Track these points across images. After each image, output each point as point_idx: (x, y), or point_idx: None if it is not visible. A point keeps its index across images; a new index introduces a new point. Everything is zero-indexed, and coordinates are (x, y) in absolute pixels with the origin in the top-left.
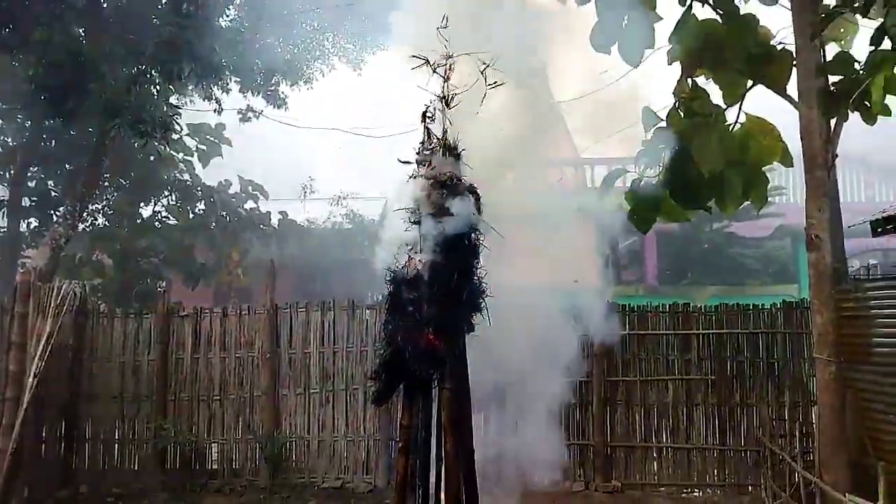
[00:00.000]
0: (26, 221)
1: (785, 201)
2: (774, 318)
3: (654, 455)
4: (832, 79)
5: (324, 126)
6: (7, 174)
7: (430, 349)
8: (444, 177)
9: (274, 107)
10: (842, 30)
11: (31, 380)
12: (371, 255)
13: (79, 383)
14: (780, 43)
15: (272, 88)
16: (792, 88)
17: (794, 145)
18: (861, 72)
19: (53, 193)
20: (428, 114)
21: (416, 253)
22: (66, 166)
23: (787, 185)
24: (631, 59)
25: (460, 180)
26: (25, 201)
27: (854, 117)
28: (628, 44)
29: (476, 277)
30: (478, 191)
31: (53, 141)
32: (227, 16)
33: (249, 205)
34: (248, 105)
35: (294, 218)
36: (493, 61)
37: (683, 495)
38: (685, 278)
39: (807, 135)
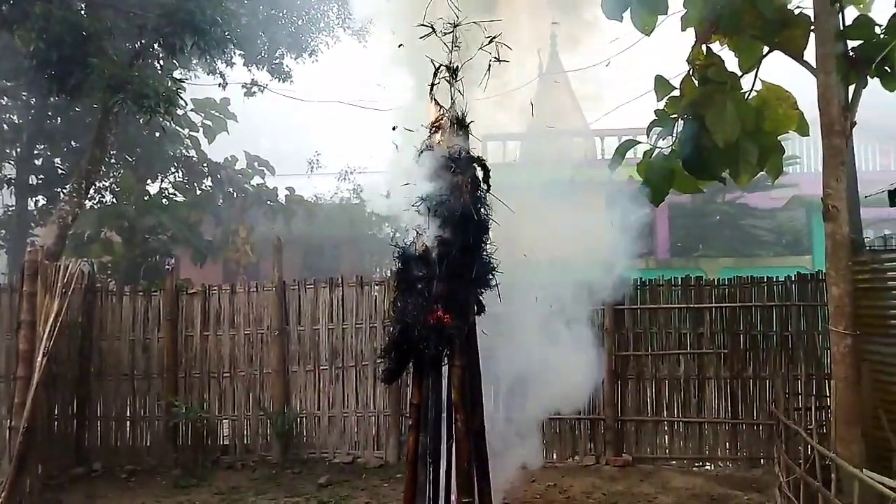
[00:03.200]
0: (34, 199)
1: (799, 171)
2: (789, 290)
3: (666, 429)
4: (851, 44)
5: (329, 100)
6: (14, 152)
7: (439, 326)
8: (452, 150)
9: (279, 80)
10: None
11: (41, 359)
12: (378, 231)
13: (89, 361)
14: (798, 7)
15: (277, 62)
16: (809, 54)
17: (810, 113)
18: (882, 36)
19: (60, 171)
20: (434, 84)
21: (424, 229)
22: (73, 143)
23: (801, 154)
24: (643, 26)
25: (469, 153)
26: (32, 179)
27: (871, 83)
28: (640, 10)
29: (485, 253)
30: (486, 163)
31: (59, 118)
32: None
33: (256, 180)
34: (253, 79)
35: (301, 193)
36: (499, 35)
37: (695, 469)
38: (696, 251)
39: (824, 102)
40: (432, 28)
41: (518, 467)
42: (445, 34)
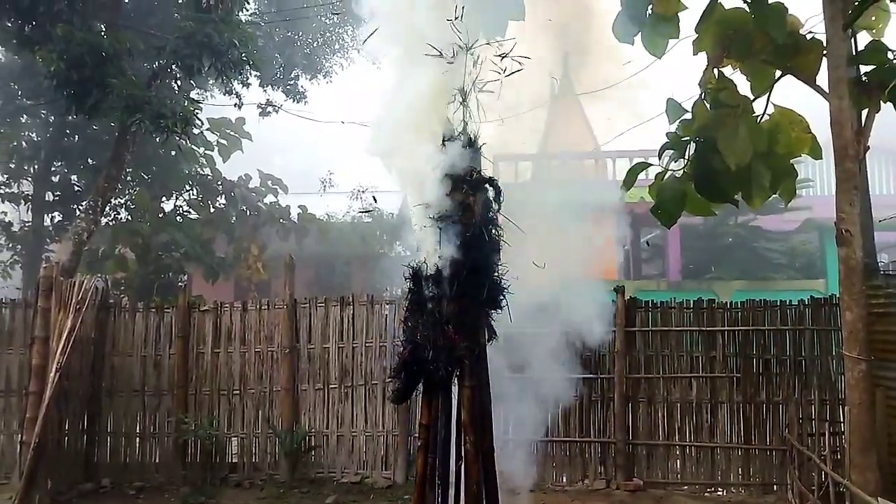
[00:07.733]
0: (50, 216)
1: (812, 194)
2: (802, 314)
3: (677, 453)
4: (864, 68)
5: (342, 120)
6: (31, 169)
7: (450, 346)
8: (464, 170)
9: (293, 101)
10: (873, 18)
11: (53, 374)
12: (390, 250)
13: (101, 377)
14: (810, 32)
15: (291, 82)
16: (822, 79)
17: (823, 136)
18: (894, 61)
19: (76, 188)
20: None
21: (435, 249)
22: (89, 161)
23: (815, 177)
24: (655, 50)
25: (480, 173)
26: (49, 196)
27: (884, 107)
28: (653, 34)
29: (496, 274)
30: (498, 184)
31: (76, 136)
32: (247, 10)
33: (269, 199)
34: (268, 99)
35: (313, 212)
36: (509, 47)
37: (707, 494)
38: (709, 273)
39: (837, 126)
40: (440, 53)
41: (528, 490)
42: (455, 57)
